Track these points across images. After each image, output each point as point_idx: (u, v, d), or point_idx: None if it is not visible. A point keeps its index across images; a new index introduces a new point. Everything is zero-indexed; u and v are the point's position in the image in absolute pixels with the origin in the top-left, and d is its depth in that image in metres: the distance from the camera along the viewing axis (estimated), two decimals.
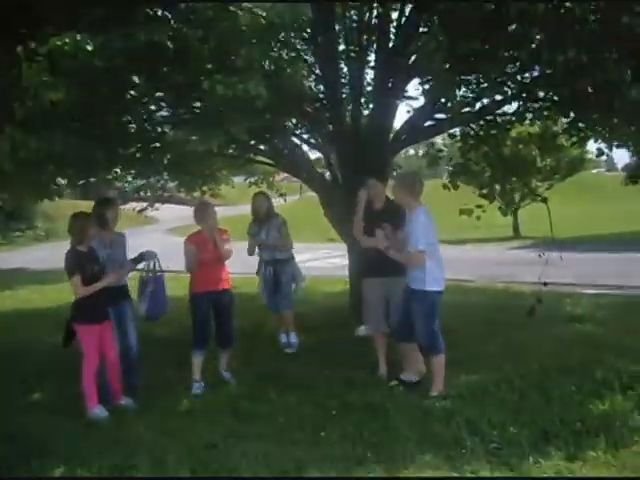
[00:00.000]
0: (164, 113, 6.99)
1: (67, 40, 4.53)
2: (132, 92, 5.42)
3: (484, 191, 10.29)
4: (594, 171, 70.50)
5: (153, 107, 6.53)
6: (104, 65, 4.65)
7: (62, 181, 8.22)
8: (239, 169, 13.17)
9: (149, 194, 13.06)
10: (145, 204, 12.70)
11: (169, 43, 4.75)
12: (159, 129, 7.05)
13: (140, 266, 6.91)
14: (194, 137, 4.81)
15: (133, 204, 13.36)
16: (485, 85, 7.31)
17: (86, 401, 6.16)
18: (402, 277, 6.46)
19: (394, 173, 10.79)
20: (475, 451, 4.74)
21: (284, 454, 4.90)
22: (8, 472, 4.93)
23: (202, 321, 6.97)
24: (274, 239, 8.18)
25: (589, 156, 26.02)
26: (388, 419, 5.47)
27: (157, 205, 12.72)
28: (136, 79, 5.16)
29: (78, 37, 4.67)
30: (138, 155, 7.47)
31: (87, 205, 7.63)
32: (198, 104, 5.31)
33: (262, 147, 10.25)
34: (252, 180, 14.07)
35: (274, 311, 8.54)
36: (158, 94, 6.18)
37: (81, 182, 8.78)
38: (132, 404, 6.41)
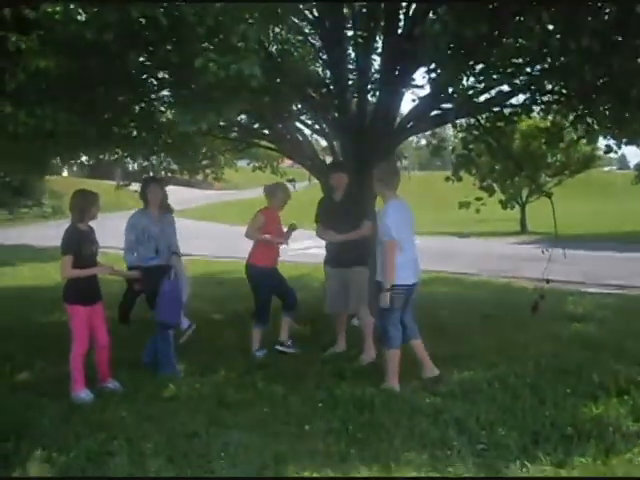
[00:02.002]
0: (159, 92, 6.82)
1: (58, 8, 4.37)
2: (125, 67, 5.24)
3: (484, 184, 10.11)
4: (606, 169, 70.20)
5: (147, 85, 6.35)
6: (95, 38, 4.49)
7: (55, 159, 8.07)
8: (242, 153, 13.02)
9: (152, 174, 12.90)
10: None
11: (163, 19, 4.59)
12: (152, 108, 6.90)
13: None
14: (187, 117, 4.64)
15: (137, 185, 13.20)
16: (492, 75, 7.09)
17: (72, 382, 6.04)
18: (360, 267, 7.11)
19: (399, 162, 10.67)
20: (461, 452, 4.59)
21: (265, 446, 4.76)
22: None
23: (266, 296, 7.38)
24: None
25: (599, 153, 25.79)
26: (375, 414, 5.33)
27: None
28: (128, 55, 4.98)
29: (71, 6, 4.53)
30: (134, 134, 7.34)
31: (94, 184, 7.57)
32: (192, 85, 5.12)
33: (265, 131, 10.11)
34: (256, 165, 13.95)
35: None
36: (151, 72, 6.01)
37: (72, 160, 8.60)
38: (119, 387, 6.30)
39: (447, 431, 4.93)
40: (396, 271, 6.02)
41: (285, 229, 7.62)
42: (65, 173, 59.87)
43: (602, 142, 8.81)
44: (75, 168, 54.88)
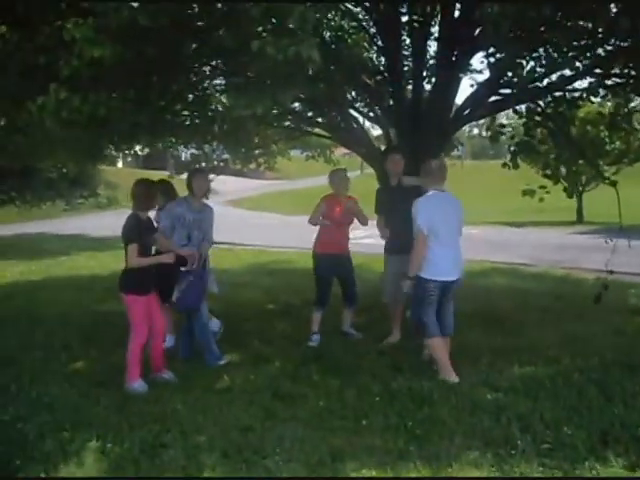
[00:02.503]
0: (214, 80, 6.73)
1: None
2: (179, 55, 5.15)
3: (548, 172, 9.80)
4: None
5: (204, 70, 6.25)
6: (149, 24, 4.40)
7: (109, 147, 8.06)
8: (296, 141, 12.93)
9: (204, 164, 12.92)
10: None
11: (218, 4, 4.48)
12: (206, 95, 6.81)
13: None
14: (240, 101, 4.52)
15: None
16: (554, 58, 6.80)
17: (127, 373, 6.02)
18: None
19: (457, 150, 10.42)
20: (526, 451, 4.39)
21: (321, 441, 4.64)
22: (39, 440, 4.80)
23: (323, 281, 7.52)
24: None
25: None
26: (434, 410, 5.15)
27: (212, 176, 12.56)
28: (183, 41, 4.89)
29: None
30: (187, 123, 7.27)
31: (148, 174, 7.59)
32: (248, 70, 4.99)
33: (319, 119, 9.98)
34: (309, 154, 13.84)
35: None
36: (206, 59, 5.90)
37: (126, 149, 8.59)
38: (173, 378, 6.26)
39: (510, 429, 4.73)
40: (427, 264, 5.88)
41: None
42: (120, 164, 60.95)
43: None
44: (130, 159, 55.84)
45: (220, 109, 6.46)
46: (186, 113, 7.24)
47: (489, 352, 6.67)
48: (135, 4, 4.35)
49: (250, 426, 4.96)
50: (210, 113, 7.14)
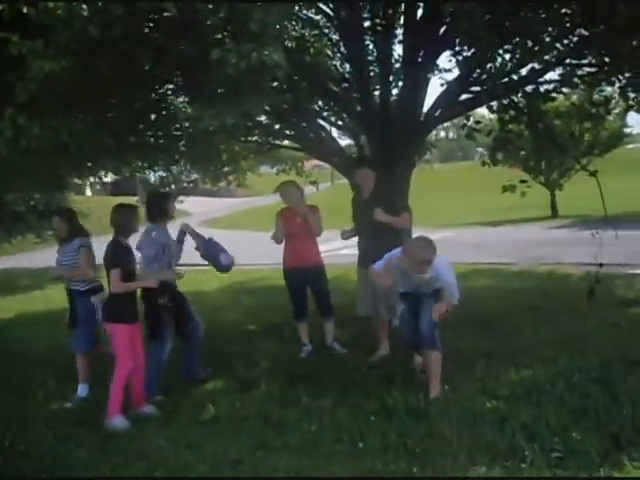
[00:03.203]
0: (175, 96, 6.43)
1: (60, 3, 4.00)
2: (136, 70, 4.85)
3: (531, 164, 9.56)
4: (630, 146, 68.85)
5: (161, 87, 5.96)
6: (101, 35, 4.10)
7: (73, 175, 7.71)
8: (265, 156, 12.66)
9: (174, 186, 12.59)
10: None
11: (173, 10, 4.19)
12: (169, 111, 6.49)
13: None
14: (207, 112, 4.24)
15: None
16: (526, 50, 6.57)
17: (109, 407, 5.69)
18: None
19: (428, 154, 10.20)
20: (535, 462, 4.13)
21: (318, 469, 4.36)
22: None
23: (295, 294, 7.47)
24: None
25: (628, 130, 25.12)
26: (434, 425, 4.87)
27: (182, 198, 12.20)
28: (138, 53, 4.59)
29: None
30: (152, 143, 6.96)
31: (116, 200, 7.32)
32: (210, 82, 4.70)
33: (288, 132, 9.72)
34: (280, 168, 13.55)
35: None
36: (165, 72, 5.58)
37: (91, 175, 8.23)
38: (155, 412, 5.93)
39: (515, 440, 4.46)
40: None
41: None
42: (88, 192, 60.17)
43: (634, 118, 8.28)
44: (98, 187, 55.05)
45: (186, 125, 6.15)
46: (150, 133, 6.94)
47: (483, 357, 6.42)
48: (86, 14, 4.04)
49: (240, 458, 4.67)
50: (176, 132, 6.83)
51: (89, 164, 7.68)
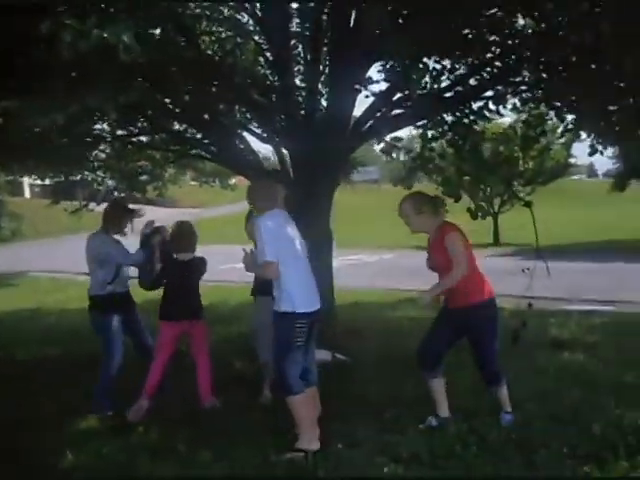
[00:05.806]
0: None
1: None
2: None
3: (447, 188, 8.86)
4: (575, 177, 69.93)
5: None
6: None
7: None
8: (188, 167, 11.86)
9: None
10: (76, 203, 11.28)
11: None
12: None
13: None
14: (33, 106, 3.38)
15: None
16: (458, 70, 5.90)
17: None
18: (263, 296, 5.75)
19: (354, 172, 9.50)
20: None
21: None
22: None
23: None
24: None
25: (573, 160, 25.01)
26: None
27: (93, 206, 11.24)
28: None
29: None
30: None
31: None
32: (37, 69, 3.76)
33: (206, 141, 8.93)
34: (204, 180, 12.74)
35: None
36: None
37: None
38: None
39: None
40: (288, 297, 4.79)
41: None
42: (27, 194, 58.09)
43: (579, 149, 7.72)
44: (37, 189, 53.11)
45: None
46: None
47: (394, 404, 5.64)
48: None
49: None
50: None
51: None
